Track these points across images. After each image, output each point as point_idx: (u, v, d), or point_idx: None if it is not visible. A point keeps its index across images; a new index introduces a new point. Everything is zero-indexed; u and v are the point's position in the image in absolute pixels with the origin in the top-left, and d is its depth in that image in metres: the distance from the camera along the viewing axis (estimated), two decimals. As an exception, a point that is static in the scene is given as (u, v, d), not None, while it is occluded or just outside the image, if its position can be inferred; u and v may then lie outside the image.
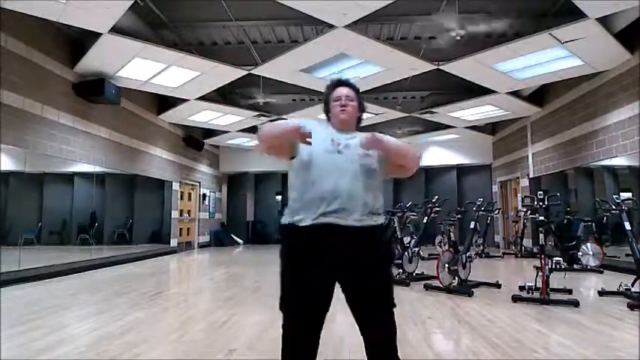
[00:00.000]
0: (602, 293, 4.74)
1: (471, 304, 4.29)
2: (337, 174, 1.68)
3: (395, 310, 1.72)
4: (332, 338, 3.08)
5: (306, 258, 1.66)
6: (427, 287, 5.11)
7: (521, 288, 4.80)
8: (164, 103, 9.42)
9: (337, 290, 1.70)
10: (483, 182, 12.53)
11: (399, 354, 1.71)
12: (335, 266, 1.66)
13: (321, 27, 5.67)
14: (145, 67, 6.70)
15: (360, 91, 1.97)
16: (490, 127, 11.80)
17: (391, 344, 1.70)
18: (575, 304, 4.14)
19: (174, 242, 10.70)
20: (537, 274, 4.45)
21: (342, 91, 1.89)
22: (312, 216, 1.64)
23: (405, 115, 9.34)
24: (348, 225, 1.64)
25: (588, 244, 6.72)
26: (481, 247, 9.18)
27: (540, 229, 4.88)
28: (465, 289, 4.88)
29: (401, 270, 5.72)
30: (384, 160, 1.79)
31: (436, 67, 6.67)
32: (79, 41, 6.53)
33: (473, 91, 8.07)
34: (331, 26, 5.40)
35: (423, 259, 7.12)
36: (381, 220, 1.75)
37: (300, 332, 1.69)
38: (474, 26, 5.78)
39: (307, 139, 1.65)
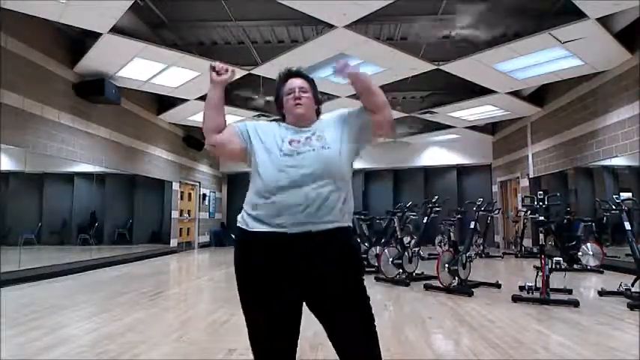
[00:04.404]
0: (602, 293, 4.74)
1: (470, 304, 4.29)
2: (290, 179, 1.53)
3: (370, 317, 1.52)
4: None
5: None
6: (427, 287, 5.11)
7: (521, 288, 4.80)
8: (164, 103, 9.42)
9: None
10: (483, 182, 12.52)
11: None
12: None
13: (321, 27, 5.67)
14: (145, 67, 6.70)
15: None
16: (490, 127, 11.79)
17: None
18: (575, 304, 4.14)
19: (174, 242, 10.69)
20: (537, 274, 4.45)
21: (295, 82, 1.69)
22: None
23: (405, 115, 9.33)
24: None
25: (588, 244, 6.72)
26: (481, 247, 9.18)
27: (540, 229, 4.88)
28: (465, 289, 4.87)
29: (401, 270, 5.72)
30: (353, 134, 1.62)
31: (436, 67, 6.67)
32: (79, 41, 6.53)
33: (473, 91, 8.07)
34: (331, 26, 5.40)
35: (423, 259, 7.12)
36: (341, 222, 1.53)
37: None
38: (474, 26, 5.78)
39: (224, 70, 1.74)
